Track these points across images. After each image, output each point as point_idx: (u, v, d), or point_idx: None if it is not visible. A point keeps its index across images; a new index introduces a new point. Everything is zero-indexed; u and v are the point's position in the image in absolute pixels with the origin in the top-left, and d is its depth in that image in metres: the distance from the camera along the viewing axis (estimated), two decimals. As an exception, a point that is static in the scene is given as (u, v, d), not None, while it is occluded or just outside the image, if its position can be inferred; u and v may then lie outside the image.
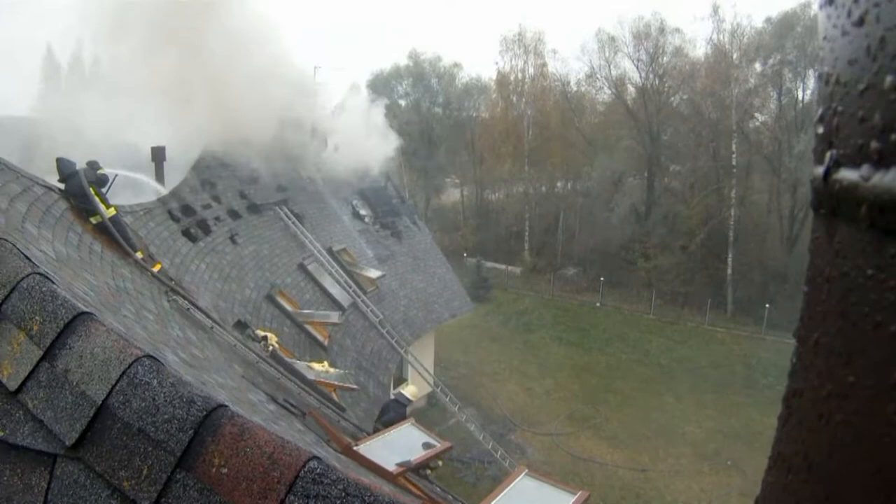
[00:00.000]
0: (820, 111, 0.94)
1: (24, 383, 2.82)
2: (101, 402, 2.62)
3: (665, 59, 58.04)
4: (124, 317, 6.45)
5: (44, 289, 3.04)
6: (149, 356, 2.76)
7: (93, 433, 2.60)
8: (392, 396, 17.36)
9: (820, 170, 0.92)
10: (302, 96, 29.93)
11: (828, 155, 0.91)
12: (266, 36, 28.34)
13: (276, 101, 27.12)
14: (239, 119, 25.15)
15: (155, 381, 2.63)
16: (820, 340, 0.96)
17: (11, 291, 3.05)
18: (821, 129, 0.94)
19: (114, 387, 2.63)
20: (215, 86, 24.58)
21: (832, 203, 0.91)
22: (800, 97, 53.74)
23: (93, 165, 12.24)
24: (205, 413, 2.51)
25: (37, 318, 2.92)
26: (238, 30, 26.25)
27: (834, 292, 0.93)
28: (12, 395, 2.85)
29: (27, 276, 3.08)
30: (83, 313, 2.93)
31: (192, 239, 19.63)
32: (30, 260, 3.31)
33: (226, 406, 2.58)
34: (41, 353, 2.85)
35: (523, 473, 9.93)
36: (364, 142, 33.98)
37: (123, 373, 2.65)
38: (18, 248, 3.36)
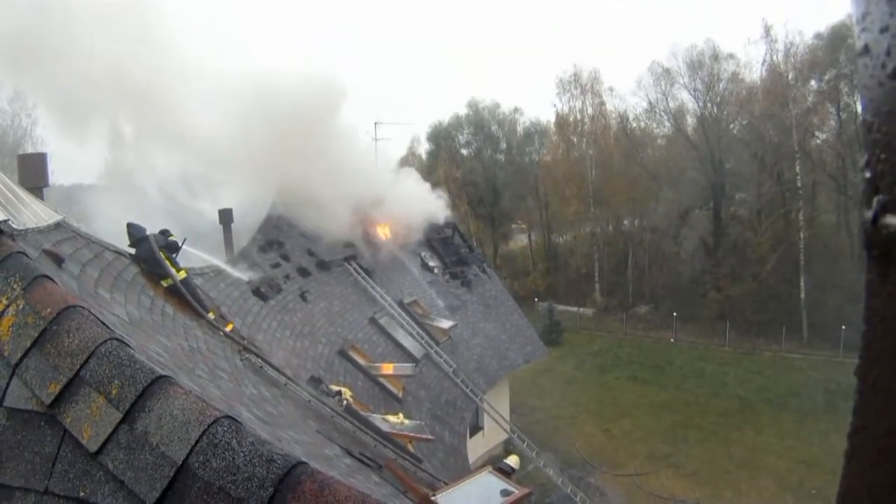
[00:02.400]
0: (865, 157, 0.96)
1: (104, 445, 2.88)
2: (181, 462, 2.68)
3: (721, 85, 58.27)
4: (198, 377, 6.56)
5: (122, 353, 3.12)
6: (228, 417, 2.82)
7: (173, 492, 2.66)
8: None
9: (869, 214, 0.95)
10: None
11: (875, 200, 0.93)
12: (328, 105, 28.82)
13: (341, 166, 27.62)
14: (303, 182, 25.53)
15: (234, 440, 2.68)
16: (878, 380, 0.99)
17: (90, 357, 3.12)
18: (867, 174, 0.96)
19: (193, 447, 2.69)
20: (279, 150, 24.95)
21: (883, 246, 0.94)
22: (859, 110, 52.47)
23: (164, 233, 12.48)
24: (284, 471, 2.56)
25: (115, 381, 2.99)
26: (300, 100, 26.70)
27: (889, 332, 0.95)
28: (93, 456, 2.92)
29: (105, 341, 3.17)
30: (162, 377, 3.00)
31: (263, 298, 19.83)
32: (106, 325, 3.41)
33: (305, 463, 2.63)
34: (121, 415, 2.91)
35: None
36: (426, 195, 34.25)
37: (203, 433, 2.72)
38: (94, 314, 3.45)
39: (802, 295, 49.46)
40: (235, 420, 2.84)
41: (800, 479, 29.37)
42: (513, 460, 17.02)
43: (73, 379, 3.09)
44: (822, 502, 26.78)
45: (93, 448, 2.91)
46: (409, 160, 74.03)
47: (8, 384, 3.32)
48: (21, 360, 3.30)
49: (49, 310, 3.40)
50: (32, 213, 7.42)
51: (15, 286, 3.56)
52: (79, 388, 3.07)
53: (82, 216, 20.38)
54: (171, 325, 9.19)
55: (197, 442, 2.71)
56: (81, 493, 2.91)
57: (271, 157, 24.62)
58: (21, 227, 5.59)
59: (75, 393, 3.07)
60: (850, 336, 41.71)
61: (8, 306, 3.51)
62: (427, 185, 36.34)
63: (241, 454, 2.64)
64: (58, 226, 8.15)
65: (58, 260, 6.27)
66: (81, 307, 3.45)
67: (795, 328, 48.38)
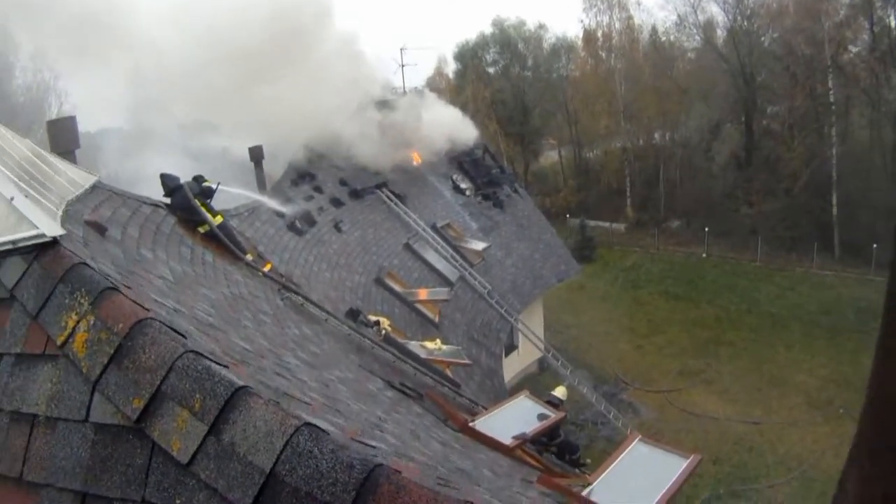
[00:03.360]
0: None
1: (194, 456, 3.07)
2: (269, 470, 2.89)
3: (752, -2, 57.00)
4: (245, 327, 6.80)
5: (199, 367, 3.27)
6: (308, 424, 3.03)
7: (264, 498, 2.88)
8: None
9: None
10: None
11: None
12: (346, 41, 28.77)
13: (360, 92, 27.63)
14: (329, 113, 25.42)
15: (316, 448, 2.88)
16: None
17: (169, 372, 3.26)
18: None
19: (279, 456, 2.90)
20: (303, 87, 24.76)
21: None
22: (893, 25, 51.73)
23: (198, 179, 12.59)
24: (364, 475, 2.77)
25: (197, 395, 3.17)
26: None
27: None
28: (184, 467, 3.09)
29: (181, 355, 3.34)
30: (241, 388, 3.20)
31: (299, 232, 19.98)
32: (179, 334, 3.60)
33: (382, 465, 2.87)
34: (206, 428, 3.06)
35: (636, 440, 10.11)
36: (454, 114, 34.30)
37: (287, 443, 2.92)
38: (165, 324, 3.64)
39: (835, 211, 48.90)
40: (316, 427, 3.06)
41: (829, 398, 29.59)
42: (560, 391, 17.38)
43: (156, 394, 3.24)
44: (848, 420, 26.89)
45: (184, 460, 3.07)
46: (436, 80, 73.92)
47: (90, 400, 3.48)
48: (100, 376, 3.45)
49: (121, 325, 3.54)
50: (68, 181, 7.64)
51: (82, 300, 3.74)
52: (162, 402, 3.23)
53: (111, 161, 20.49)
54: (213, 274, 9.40)
55: (282, 451, 2.89)
56: (178, 501, 3.09)
57: (265, 82, 24.23)
58: (60, 201, 5.82)
59: (159, 407, 3.23)
60: (882, 254, 41.52)
61: (79, 322, 3.68)
62: (442, 105, 36.30)
63: (324, 461, 2.84)
64: (94, 188, 8.36)
65: (101, 230, 6.47)
66: (152, 319, 3.63)
67: (827, 245, 48.11)
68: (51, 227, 4.31)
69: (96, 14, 20.97)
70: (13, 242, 4.17)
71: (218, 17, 23.34)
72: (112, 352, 3.51)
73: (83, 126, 18.61)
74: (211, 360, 3.42)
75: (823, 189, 50.57)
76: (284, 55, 24.85)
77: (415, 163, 31.05)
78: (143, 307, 3.76)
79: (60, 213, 5.60)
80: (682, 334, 37.87)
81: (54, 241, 4.22)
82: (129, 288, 4.20)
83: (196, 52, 22.67)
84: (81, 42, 21.24)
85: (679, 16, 61.97)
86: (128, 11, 22.33)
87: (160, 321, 3.64)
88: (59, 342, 3.70)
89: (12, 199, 4.40)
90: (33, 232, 4.18)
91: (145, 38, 22.36)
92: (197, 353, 3.41)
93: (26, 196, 4.56)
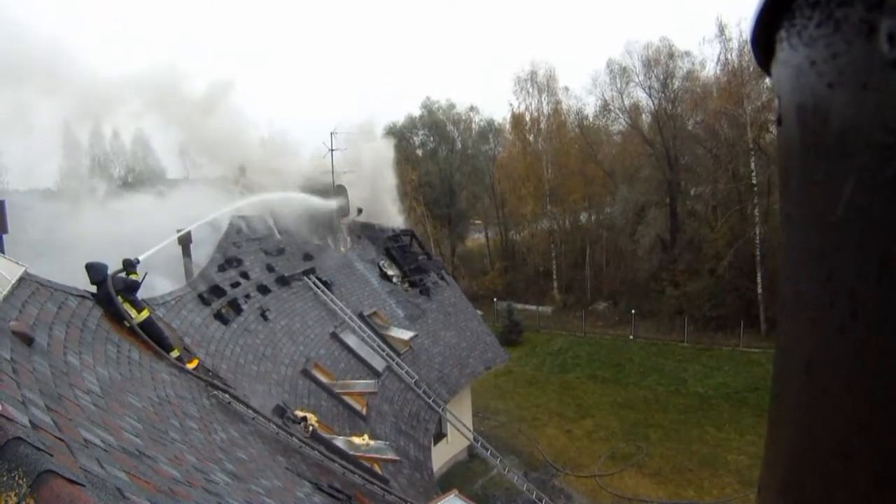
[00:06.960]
0: None
1: None
2: None
3: (676, 83, 58.21)
4: (172, 441, 6.63)
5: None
6: None
7: None
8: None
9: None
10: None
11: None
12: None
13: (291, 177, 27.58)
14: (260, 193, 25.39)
15: None
16: None
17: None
18: None
19: None
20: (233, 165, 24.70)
21: None
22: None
23: (126, 264, 12.39)
24: None
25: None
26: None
27: None
28: None
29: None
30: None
31: (224, 321, 19.71)
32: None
33: None
34: None
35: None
36: (383, 199, 34.43)
37: None
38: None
39: (759, 289, 49.50)
40: None
41: (760, 476, 29.60)
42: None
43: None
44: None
45: None
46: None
47: None
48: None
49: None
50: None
51: (20, 481, 3.56)
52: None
53: (35, 223, 20.14)
54: (139, 374, 9.21)
55: None
56: None
57: None
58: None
59: None
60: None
61: (19, 503, 3.52)
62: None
63: None
64: (21, 280, 8.18)
65: (28, 340, 6.31)
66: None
67: (753, 322, 48.54)
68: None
69: None
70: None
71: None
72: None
73: (9, 185, 18.42)
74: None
75: (748, 268, 51.28)
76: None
77: (342, 249, 31.04)
78: (78, 484, 3.61)
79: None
80: (611, 417, 37.77)
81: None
82: (61, 441, 4.06)
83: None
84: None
85: (605, 100, 62.96)
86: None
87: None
88: (0, 518, 3.53)
89: None
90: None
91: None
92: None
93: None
